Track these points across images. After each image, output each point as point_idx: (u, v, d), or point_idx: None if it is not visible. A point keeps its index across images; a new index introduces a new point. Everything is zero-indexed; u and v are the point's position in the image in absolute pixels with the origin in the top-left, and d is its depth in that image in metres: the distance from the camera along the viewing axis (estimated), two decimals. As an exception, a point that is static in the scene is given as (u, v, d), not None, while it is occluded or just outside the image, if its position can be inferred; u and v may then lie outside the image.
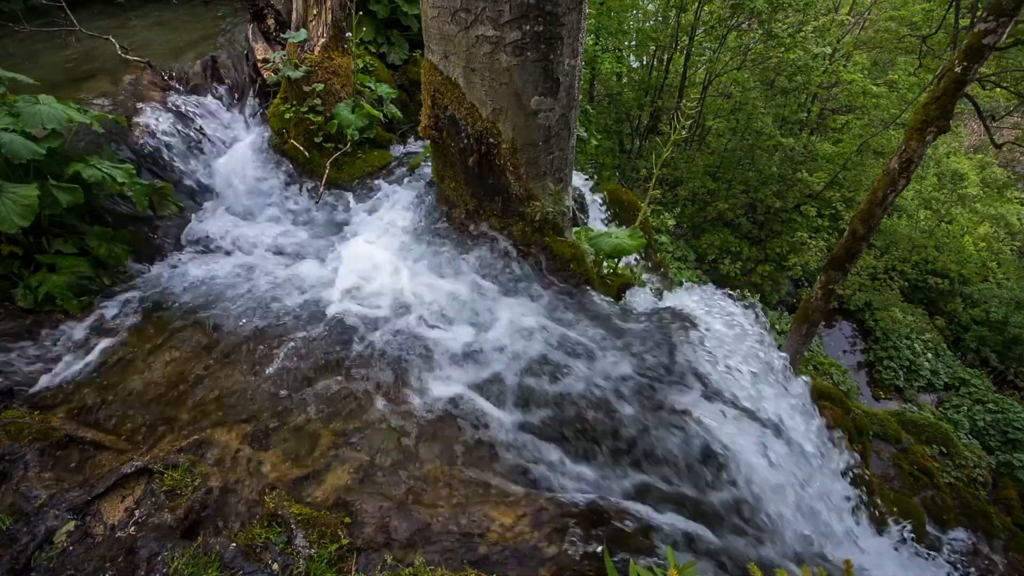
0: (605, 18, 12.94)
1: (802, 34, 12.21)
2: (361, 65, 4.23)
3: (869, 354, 13.81)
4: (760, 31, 12.93)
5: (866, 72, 13.81)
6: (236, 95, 4.39)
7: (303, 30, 4.12)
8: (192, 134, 3.98)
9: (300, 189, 4.06)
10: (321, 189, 3.96)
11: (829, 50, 13.50)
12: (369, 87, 4.18)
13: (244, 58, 4.47)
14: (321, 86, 4.02)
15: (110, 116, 3.33)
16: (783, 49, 12.55)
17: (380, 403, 2.50)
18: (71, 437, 2.20)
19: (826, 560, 2.41)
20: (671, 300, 3.28)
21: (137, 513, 1.91)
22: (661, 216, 12.60)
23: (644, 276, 3.99)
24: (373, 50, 4.66)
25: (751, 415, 2.58)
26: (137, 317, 2.99)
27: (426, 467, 2.27)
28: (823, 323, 14.03)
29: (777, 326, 12.73)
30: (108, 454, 2.20)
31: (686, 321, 2.90)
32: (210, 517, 1.93)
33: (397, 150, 4.39)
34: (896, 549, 3.90)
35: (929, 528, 5.20)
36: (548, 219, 3.17)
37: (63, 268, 2.95)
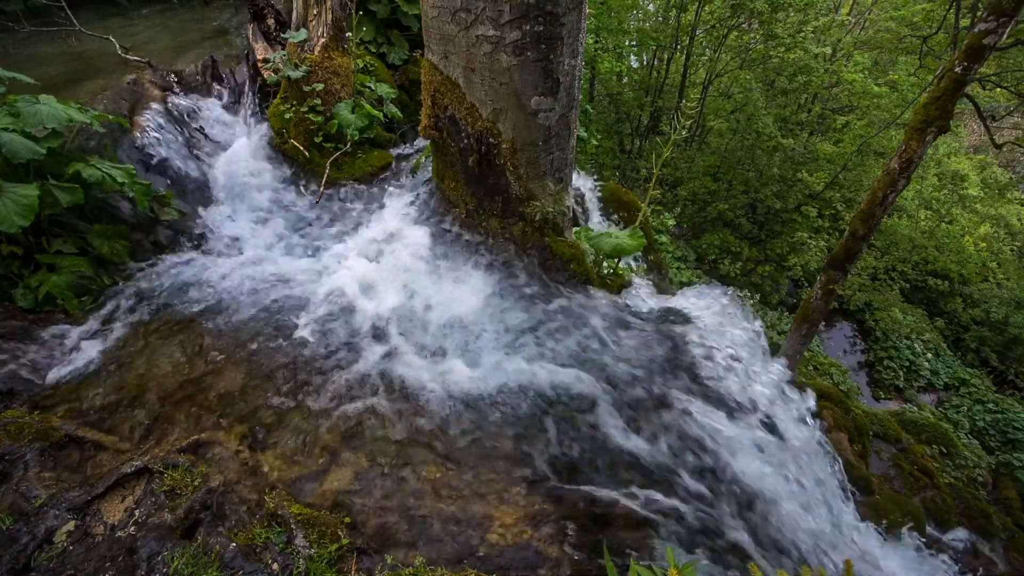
0: (605, 18, 12.92)
1: (802, 34, 12.21)
2: (361, 65, 4.23)
3: (869, 354, 13.79)
4: (761, 31, 12.92)
5: (867, 72, 13.79)
6: (236, 95, 4.39)
7: (303, 30, 4.12)
8: (192, 134, 3.98)
9: (300, 189, 4.06)
10: (321, 189, 3.96)
11: (829, 50, 13.49)
12: (369, 87, 4.18)
13: (244, 58, 4.47)
14: (321, 86, 4.02)
15: (110, 116, 3.33)
16: (784, 49, 12.54)
17: (381, 403, 2.50)
18: (71, 437, 2.20)
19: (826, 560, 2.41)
20: (671, 300, 3.28)
21: (137, 513, 1.91)
22: (661, 216, 12.57)
23: (644, 276, 3.99)
24: (373, 50, 4.66)
25: (746, 414, 2.58)
26: (137, 317, 2.99)
27: (427, 467, 2.27)
28: (823, 323, 14.01)
29: (777, 326, 12.72)
30: (108, 454, 2.20)
31: (685, 322, 2.90)
32: (210, 517, 1.93)
33: (397, 150, 4.39)
34: (896, 549, 3.90)
35: (929, 528, 5.19)
36: (548, 219, 3.17)
37: (63, 268, 2.95)
